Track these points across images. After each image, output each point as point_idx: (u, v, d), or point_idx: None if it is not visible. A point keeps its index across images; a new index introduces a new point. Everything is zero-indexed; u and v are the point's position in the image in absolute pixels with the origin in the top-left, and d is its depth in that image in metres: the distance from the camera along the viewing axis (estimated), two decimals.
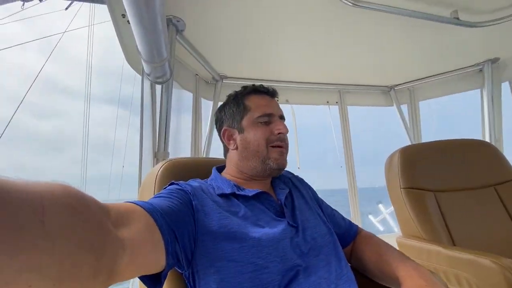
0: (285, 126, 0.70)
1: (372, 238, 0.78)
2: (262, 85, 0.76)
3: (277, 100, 0.78)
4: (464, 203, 1.26)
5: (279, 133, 0.69)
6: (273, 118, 0.71)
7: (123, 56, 1.18)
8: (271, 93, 0.76)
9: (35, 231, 0.25)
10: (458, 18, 1.30)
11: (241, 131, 0.71)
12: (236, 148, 0.72)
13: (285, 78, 2.00)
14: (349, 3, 1.13)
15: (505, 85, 1.96)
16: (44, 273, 0.25)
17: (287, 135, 0.74)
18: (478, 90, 2.03)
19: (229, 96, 0.78)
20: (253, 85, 0.76)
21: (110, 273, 0.33)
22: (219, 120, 0.78)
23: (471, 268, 0.91)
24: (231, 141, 0.73)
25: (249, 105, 0.72)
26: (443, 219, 1.22)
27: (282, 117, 0.74)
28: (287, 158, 0.73)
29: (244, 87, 0.77)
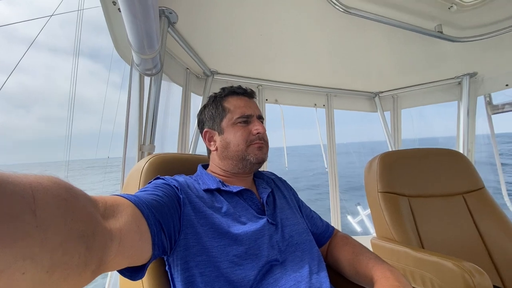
0: (262, 126, 0.73)
1: (348, 239, 0.81)
2: (240, 86, 0.79)
3: (255, 100, 0.81)
4: (435, 208, 1.34)
5: (257, 133, 0.72)
6: (251, 118, 0.74)
7: (112, 44, 1.15)
8: (249, 94, 0.79)
9: (28, 221, 0.26)
10: (441, 32, 1.35)
11: (221, 132, 0.74)
12: (217, 149, 0.75)
13: (275, 78, 2.01)
14: (341, 9, 1.16)
15: (480, 99, 2.07)
16: (37, 261, 0.26)
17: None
18: (456, 102, 2.14)
19: (209, 98, 0.80)
20: (231, 86, 0.79)
21: (99, 262, 0.34)
22: (200, 122, 0.80)
23: (435, 270, 0.95)
24: (212, 142, 0.76)
25: (228, 107, 0.74)
26: (414, 223, 1.29)
27: (260, 117, 0.77)
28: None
29: (223, 89, 0.79)
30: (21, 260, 0.24)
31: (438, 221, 1.31)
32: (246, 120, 0.73)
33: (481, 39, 1.37)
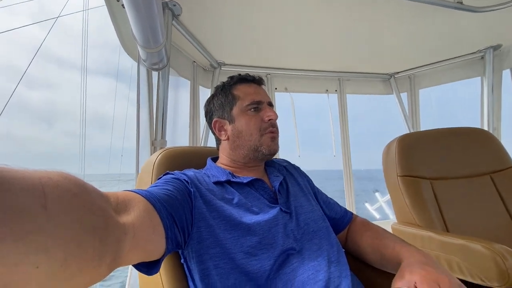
0: (274, 113, 0.71)
1: (368, 224, 0.79)
2: (248, 74, 0.78)
3: (265, 88, 0.79)
4: (460, 191, 1.28)
5: (269, 120, 0.70)
6: (262, 105, 0.72)
7: (118, 41, 1.16)
8: (257, 81, 0.77)
9: (39, 215, 0.26)
10: (461, 3, 1.27)
11: (232, 121, 0.72)
12: (228, 139, 0.73)
13: (284, 66, 1.97)
14: None
15: (505, 73, 1.94)
16: (50, 254, 0.26)
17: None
18: (479, 78, 2.02)
19: (217, 88, 0.78)
20: (239, 74, 0.77)
21: (114, 256, 0.34)
22: (208, 112, 0.79)
23: (462, 253, 0.92)
24: (222, 132, 0.74)
25: (237, 95, 0.73)
26: (437, 207, 1.24)
27: (270, 104, 0.75)
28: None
29: (231, 77, 0.77)
30: (35, 253, 0.24)
31: (464, 204, 1.25)
32: (257, 106, 0.71)
33: (505, 7, 1.28)
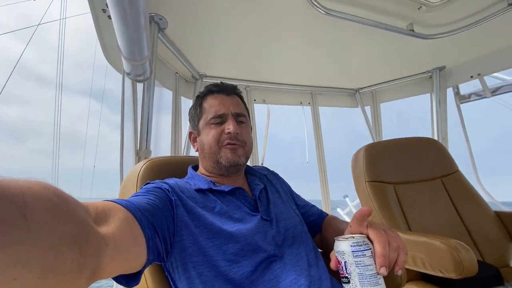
0: (234, 125, 0.69)
1: (334, 219, 0.81)
2: (220, 83, 0.77)
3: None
4: (418, 193, 1.42)
5: (228, 133, 0.69)
6: (226, 117, 0.71)
7: (101, 52, 1.14)
8: (226, 91, 0.75)
9: (18, 225, 0.24)
10: (413, 30, 1.45)
11: (199, 133, 0.74)
12: (197, 150, 0.76)
13: (262, 79, 2.06)
14: (322, 12, 1.23)
15: (449, 90, 2.24)
16: (28, 267, 0.25)
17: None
18: (428, 94, 2.29)
19: (194, 98, 0.80)
20: (211, 85, 0.77)
21: (94, 268, 0.33)
22: (189, 123, 0.81)
23: (424, 249, 1.00)
24: (195, 143, 0.77)
25: (205, 107, 0.73)
26: (400, 209, 1.36)
27: (239, 115, 0.73)
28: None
29: (205, 87, 0.77)
30: (13, 266, 0.23)
31: (422, 205, 1.40)
32: (220, 120, 0.70)
33: (448, 36, 1.49)
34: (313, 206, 0.88)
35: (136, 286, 0.46)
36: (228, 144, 0.69)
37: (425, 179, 1.49)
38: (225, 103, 0.72)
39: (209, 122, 0.71)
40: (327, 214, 0.87)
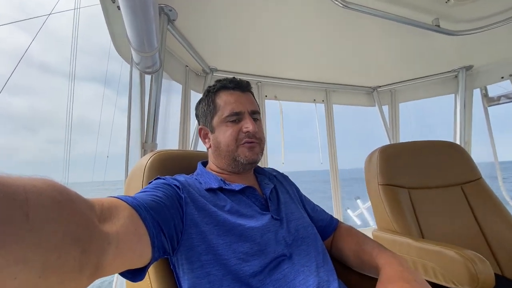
0: (253, 124, 0.69)
1: (351, 230, 0.82)
2: (233, 78, 0.74)
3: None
4: (434, 200, 1.35)
5: (247, 131, 0.68)
6: (243, 115, 0.70)
7: (111, 42, 1.14)
8: (242, 87, 0.73)
9: (20, 223, 0.24)
10: (438, 26, 1.36)
11: (212, 130, 0.72)
12: (210, 147, 0.73)
13: (275, 74, 2.02)
14: (340, 4, 1.16)
15: (476, 92, 2.10)
16: (29, 266, 0.25)
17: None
18: (453, 95, 2.16)
19: (204, 92, 0.76)
20: (225, 79, 0.74)
21: (96, 267, 0.33)
22: (197, 117, 0.79)
23: (437, 259, 0.96)
24: (206, 140, 0.74)
25: (219, 104, 0.71)
26: (414, 214, 1.30)
27: (254, 112, 0.72)
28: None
29: (217, 81, 0.74)
30: (13, 265, 0.23)
31: (437, 212, 1.33)
32: (236, 118, 0.69)
33: (477, 33, 1.38)
34: (322, 210, 0.87)
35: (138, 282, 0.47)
36: (246, 142, 0.69)
37: (443, 185, 1.41)
38: (241, 100, 0.71)
39: (225, 120, 0.69)
40: (338, 221, 0.86)
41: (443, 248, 0.96)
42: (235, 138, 0.68)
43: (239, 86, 0.73)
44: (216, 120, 0.71)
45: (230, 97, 0.71)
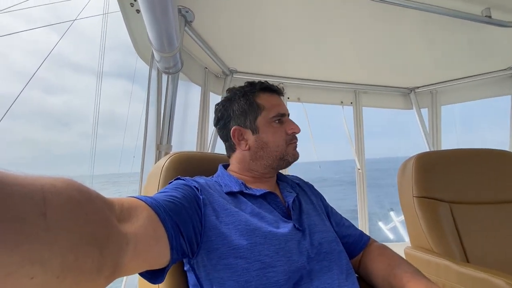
0: (297, 126, 0.73)
1: (385, 250, 0.76)
2: (267, 82, 0.77)
3: (288, 98, 0.79)
4: (483, 218, 1.19)
5: (293, 133, 0.72)
6: (285, 117, 0.74)
7: (132, 45, 1.18)
8: (280, 92, 0.77)
9: (36, 223, 0.25)
10: (490, 17, 1.20)
11: (255, 131, 0.71)
12: (249, 149, 0.71)
13: (297, 75, 1.95)
14: None
15: None
16: (46, 266, 0.25)
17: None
18: (509, 96, 1.91)
19: (235, 93, 0.75)
20: (261, 82, 0.76)
21: (114, 267, 0.33)
22: (225, 118, 0.75)
23: (482, 287, 0.85)
24: (242, 141, 0.72)
25: (262, 104, 0.72)
26: (457, 233, 1.15)
27: (288, 115, 0.77)
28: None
29: (251, 84, 0.76)
30: (29, 265, 0.24)
31: (487, 233, 1.16)
32: (280, 119, 0.72)
33: None
34: (350, 225, 0.82)
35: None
36: (293, 143, 0.73)
37: (495, 201, 1.23)
38: (281, 103, 0.76)
39: (271, 120, 0.71)
40: (370, 238, 0.81)
41: (491, 276, 0.85)
42: (284, 139, 0.71)
43: (277, 90, 0.77)
44: (261, 120, 0.71)
45: (273, 99, 0.74)
